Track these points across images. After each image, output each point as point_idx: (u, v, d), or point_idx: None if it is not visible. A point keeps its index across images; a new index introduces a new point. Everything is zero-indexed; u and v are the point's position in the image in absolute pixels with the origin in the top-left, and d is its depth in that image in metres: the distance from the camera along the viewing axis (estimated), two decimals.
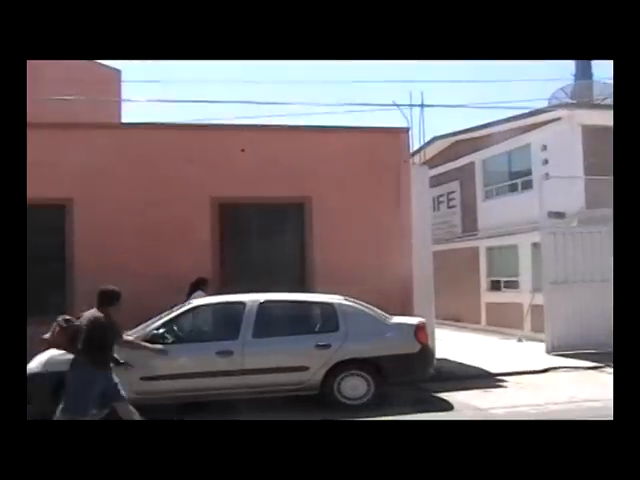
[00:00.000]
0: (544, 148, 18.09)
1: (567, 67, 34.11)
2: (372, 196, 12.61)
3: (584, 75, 31.55)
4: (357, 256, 12.12)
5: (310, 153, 12.45)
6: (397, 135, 13.14)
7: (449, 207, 22.92)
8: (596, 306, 13.77)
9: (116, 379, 7.29)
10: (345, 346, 9.26)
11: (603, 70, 45.93)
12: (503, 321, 18.68)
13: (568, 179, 16.14)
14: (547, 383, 11.15)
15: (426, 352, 9.68)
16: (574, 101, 20.43)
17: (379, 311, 9.87)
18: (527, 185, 18.68)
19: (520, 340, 16.60)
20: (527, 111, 18.34)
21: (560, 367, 12.43)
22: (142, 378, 8.62)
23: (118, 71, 21.56)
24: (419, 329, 9.65)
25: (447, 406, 9.54)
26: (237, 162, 12.11)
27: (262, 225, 12.40)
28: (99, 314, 7.29)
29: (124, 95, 21.85)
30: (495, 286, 19.95)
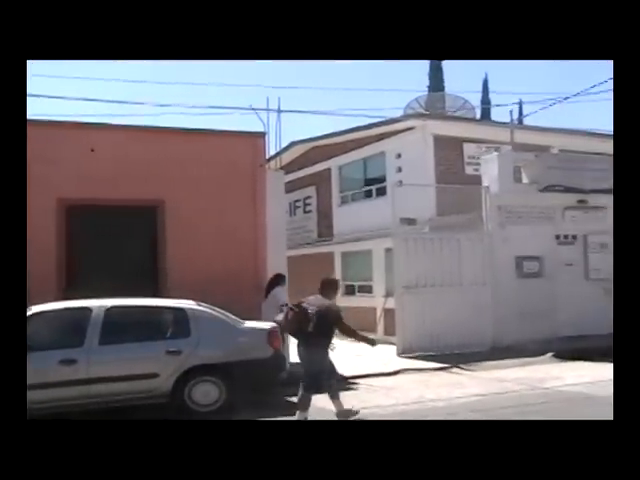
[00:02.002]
0: (398, 156, 18.63)
1: (423, 79, 35.20)
2: (227, 200, 12.50)
3: (437, 87, 32.91)
4: (211, 260, 11.96)
5: (164, 155, 12.16)
6: (253, 139, 13.09)
7: (305, 212, 23.12)
8: (445, 310, 14.29)
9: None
10: (196, 352, 9.08)
11: (454, 83, 48.19)
12: (357, 325, 18.68)
13: (420, 187, 16.68)
14: (397, 385, 11.40)
15: (279, 357, 9.66)
16: (427, 112, 21.15)
17: (232, 316, 9.75)
18: (381, 192, 19.13)
19: (374, 343, 16.87)
20: (383, 119, 18.84)
21: (410, 369, 12.76)
22: None
23: None
24: (272, 334, 9.60)
25: (298, 409, 9.54)
26: (86, 162, 11.64)
27: (113, 229, 11.92)
28: (329, 301, 8.32)
29: None
30: (350, 291, 20.26)
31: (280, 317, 8.78)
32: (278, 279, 11.94)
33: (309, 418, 8.38)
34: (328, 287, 8.70)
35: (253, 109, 13.99)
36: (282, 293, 11.70)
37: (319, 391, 8.30)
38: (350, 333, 8.63)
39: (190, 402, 8.98)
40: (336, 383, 8.71)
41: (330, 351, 8.35)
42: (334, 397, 8.54)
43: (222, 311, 9.74)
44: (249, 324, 9.81)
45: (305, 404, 8.34)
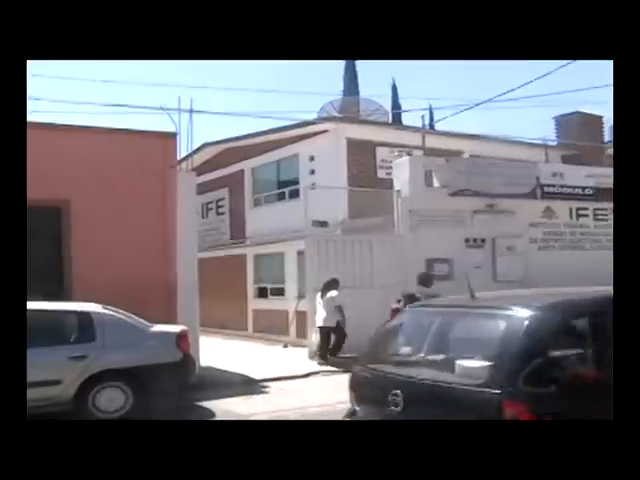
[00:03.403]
0: (311, 159, 18.63)
1: (337, 83, 35.43)
2: (136, 202, 12.20)
3: (351, 91, 33.15)
4: (119, 263, 11.64)
5: (70, 154, 11.74)
6: (164, 140, 12.82)
7: (218, 214, 22.90)
8: (357, 312, 14.34)
9: None
10: (102, 357, 8.81)
11: (368, 88, 48.84)
12: (270, 328, 18.92)
13: (333, 189, 16.74)
14: (308, 387, 11.39)
15: (188, 360, 9.48)
16: (341, 115, 21.26)
17: (140, 319, 9.52)
18: (294, 194, 19.11)
19: (285, 346, 16.89)
20: (297, 122, 18.81)
21: (321, 371, 12.77)
22: None
23: None
24: (181, 337, 9.44)
25: (209, 414, 9.42)
26: None
27: None
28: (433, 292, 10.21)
29: None
30: (262, 293, 20.18)
31: (396, 305, 10.46)
32: (333, 283, 13.55)
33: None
34: (425, 279, 11.43)
35: (163, 109, 13.66)
36: (339, 296, 13.48)
37: None
38: None
39: (94, 409, 8.70)
40: None
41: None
42: None
43: (130, 314, 9.50)
44: (158, 327, 9.60)
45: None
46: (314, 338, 14.07)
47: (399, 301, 10.44)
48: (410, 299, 9.87)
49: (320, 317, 13.67)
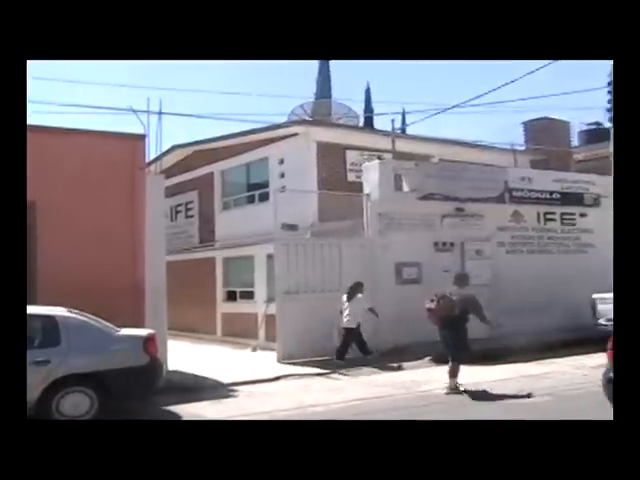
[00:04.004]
0: (281, 162, 18.58)
1: (310, 85, 35.36)
2: (104, 203, 12.06)
3: (323, 94, 33.14)
4: (85, 265, 11.49)
5: (37, 155, 11.45)
6: (132, 141, 12.70)
7: (187, 217, 22.73)
8: (326, 315, 14.32)
9: None
10: (67, 361, 8.66)
11: (342, 91, 48.80)
12: (239, 331, 18.80)
13: (303, 193, 16.70)
14: (277, 391, 11.32)
15: (155, 364, 9.37)
16: (310, 118, 21.24)
17: (106, 323, 9.40)
18: (264, 197, 19.03)
19: (254, 350, 16.79)
20: (267, 125, 18.75)
21: (290, 375, 12.71)
22: None
23: None
24: (148, 341, 9.33)
25: (176, 418, 9.30)
26: None
27: None
28: (464, 291, 10.66)
29: None
30: (231, 296, 20.06)
31: (431, 305, 10.71)
32: (359, 286, 14.01)
33: (208, 418, 8.16)
34: (461, 280, 11.01)
35: (133, 110, 13.53)
36: (366, 298, 14.01)
37: (465, 359, 10.72)
38: (482, 317, 10.57)
39: (58, 414, 8.54)
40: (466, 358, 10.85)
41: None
42: (454, 371, 10.53)
43: (96, 318, 9.38)
44: (125, 331, 9.48)
45: (455, 372, 10.50)
46: (335, 338, 14.30)
47: (432, 301, 10.76)
48: (443, 299, 10.58)
49: (345, 318, 14.01)
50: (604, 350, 12.60)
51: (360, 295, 13.95)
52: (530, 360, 13.14)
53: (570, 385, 10.67)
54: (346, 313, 13.98)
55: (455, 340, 10.52)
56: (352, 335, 14.05)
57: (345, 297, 14.06)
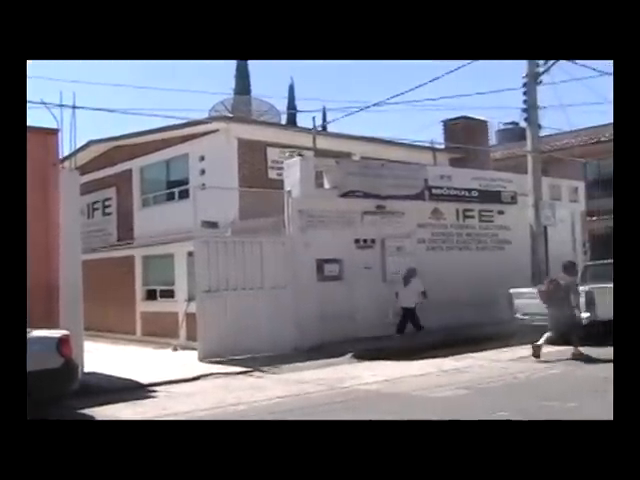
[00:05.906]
0: (202, 159, 18.42)
1: (229, 82, 35.13)
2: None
3: (242, 91, 32.95)
4: None
5: None
6: (45, 136, 12.26)
7: (105, 214, 22.28)
8: (247, 313, 14.24)
9: None
10: None
11: (261, 88, 48.65)
12: (159, 331, 18.52)
13: (223, 190, 16.56)
14: (197, 390, 11.16)
15: (70, 366, 9.06)
16: (232, 115, 21.07)
17: None
18: (184, 194, 18.84)
19: (175, 349, 16.55)
20: (187, 121, 18.49)
21: (211, 374, 12.55)
22: None
23: None
24: (63, 342, 9.02)
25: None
26: None
27: None
28: (570, 278, 12.94)
29: None
30: (151, 295, 19.74)
31: (543, 287, 13.15)
32: (412, 272, 15.67)
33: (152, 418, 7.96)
34: (570, 268, 13.24)
35: (44, 103, 13.04)
36: (419, 282, 15.57)
37: (580, 332, 12.57)
38: (577, 301, 12.68)
39: None
40: (581, 332, 12.65)
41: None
42: (575, 342, 12.39)
43: None
44: (37, 332, 9.14)
45: (575, 343, 12.41)
46: (391, 317, 15.90)
47: (545, 284, 13.16)
48: (552, 283, 12.85)
49: (403, 299, 15.62)
50: (522, 343, 13.15)
51: (414, 279, 15.57)
52: (449, 355, 13.36)
53: (487, 378, 10.89)
54: (403, 295, 15.60)
55: (566, 319, 12.46)
56: (410, 313, 15.53)
57: (402, 281, 15.68)
